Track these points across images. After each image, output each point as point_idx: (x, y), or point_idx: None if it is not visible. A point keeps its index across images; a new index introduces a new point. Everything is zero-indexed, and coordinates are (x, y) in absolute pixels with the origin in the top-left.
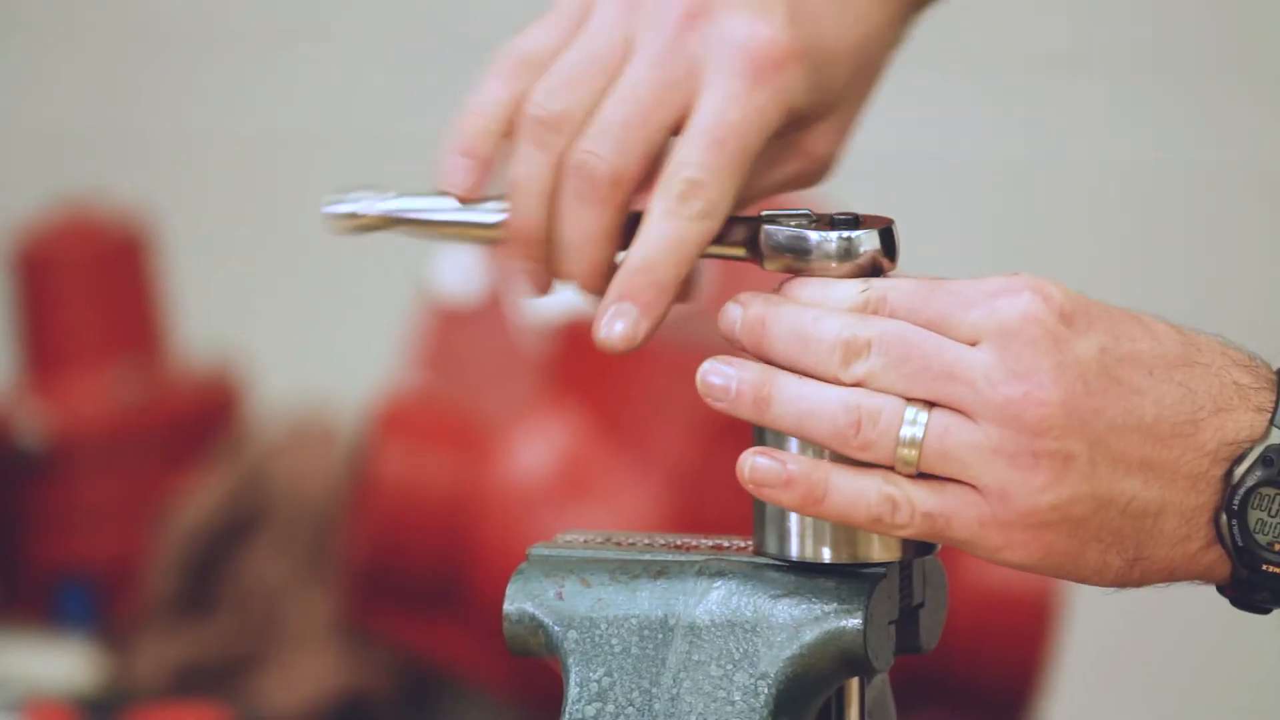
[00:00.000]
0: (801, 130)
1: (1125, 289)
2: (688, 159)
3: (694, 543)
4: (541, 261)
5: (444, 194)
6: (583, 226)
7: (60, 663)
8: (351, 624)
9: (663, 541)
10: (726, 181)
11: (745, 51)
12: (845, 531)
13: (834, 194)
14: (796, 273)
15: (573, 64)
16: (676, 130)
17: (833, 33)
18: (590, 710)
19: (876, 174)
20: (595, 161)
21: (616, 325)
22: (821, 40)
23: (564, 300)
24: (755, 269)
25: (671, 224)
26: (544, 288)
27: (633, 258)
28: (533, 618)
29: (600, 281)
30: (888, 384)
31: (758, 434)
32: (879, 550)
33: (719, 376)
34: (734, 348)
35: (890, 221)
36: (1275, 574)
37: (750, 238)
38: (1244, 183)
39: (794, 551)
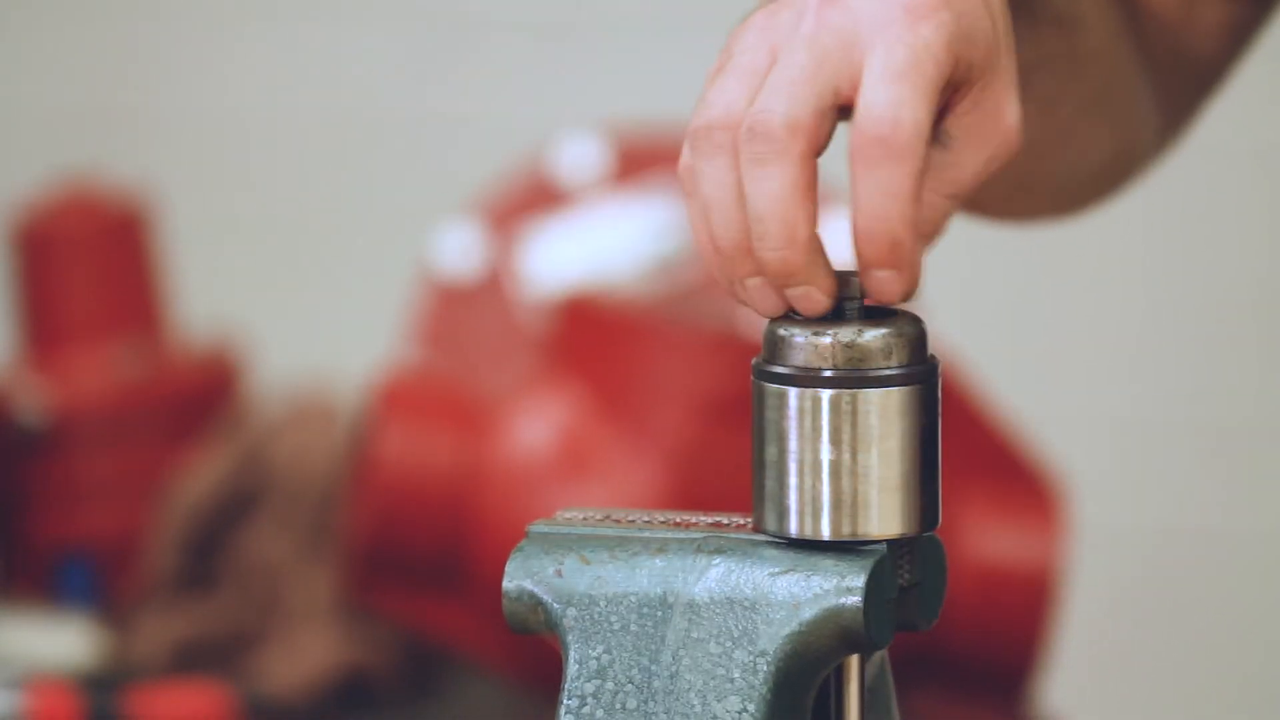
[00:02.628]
0: (981, 94)
1: (1125, 273)
2: (870, 103)
3: (693, 520)
4: (752, 270)
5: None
6: (771, 188)
7: (61, 640)
8: (352, 601)
9: (662, 519)
10: (920, 113)
11: (889, 3)
12: (845, 509)
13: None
14: None
15: (722, 81)
16: (845, 110)
17: None
18: (589, 687)
19: None
20: (766, 115)
21: (890, 294)
22: None
23: (564, 278)
24: None
25: (879, 172)
26: (771, 302)
27: (855, 228)
28: (532, 595)
29: (806, 256)
30: None
31: None
32: (878, 527)
33: None
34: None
35: None
36: None
37: None
38: (1246, 163)
39: (793, 529)
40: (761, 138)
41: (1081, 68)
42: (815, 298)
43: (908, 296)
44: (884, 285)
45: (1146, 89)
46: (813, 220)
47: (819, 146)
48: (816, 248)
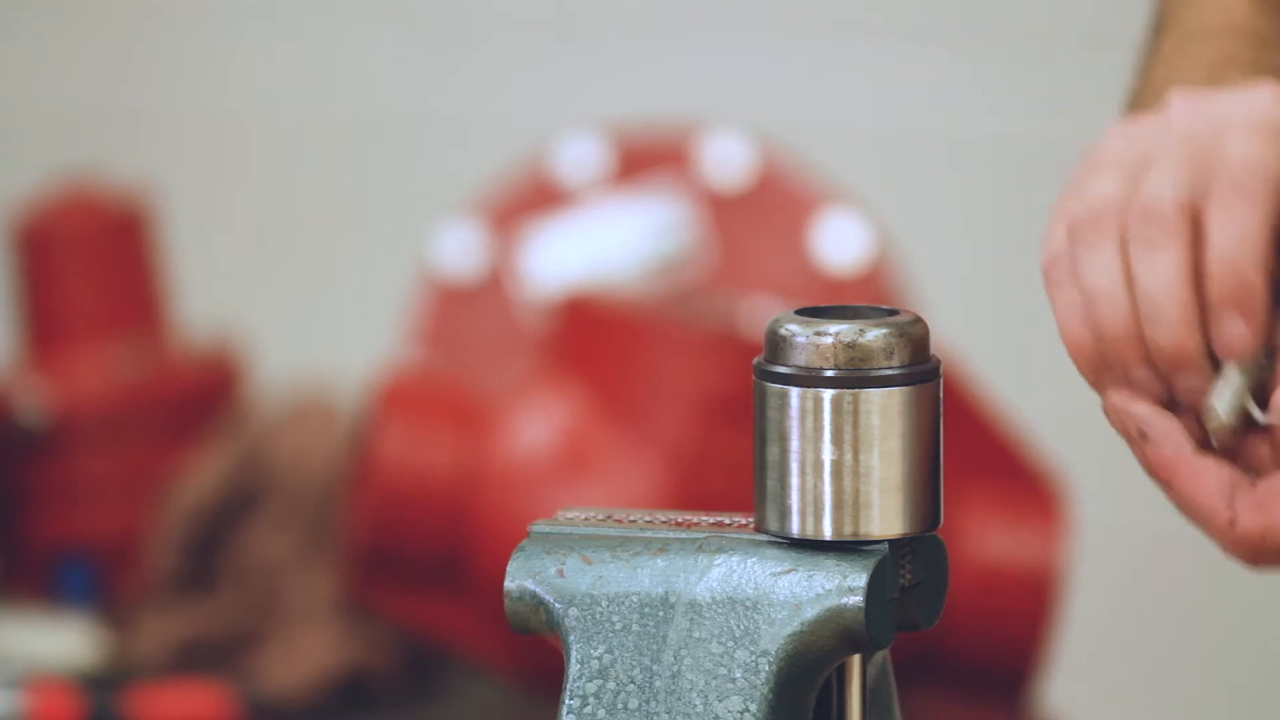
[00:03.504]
0: None
1: None
2: (1234, 155)
3: (695, 520)
4: (1141, 356)
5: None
6: (1166, 269)
7: (61, 640)
8: (352, 601)
9: (663, 519)
10: (1273, 163)
11: (1250, 102)
12: (847, 509)
13: (839, 175)
14: None
15: (1098, 175)
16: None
17: None
18: (591, 687)
19: (881, 154)
20: (1157, 199)
21: (1234, 340)
22: None
23: (564, 278)
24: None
25: (1231, 211)
26: (1156, 391)
27: (1215, 267)
28: (534, 595)
29: (1198, 341)
30: None
31: None
32: (880, 527)
33: None
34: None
35: None
36: None
37: None
38: None
39: (795, 529)
40: (1155, 220)
41: None
42: (1220, 326)
43: (1246, 348)
44: (1228, 329)
45: None
46: (1195, 300)
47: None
48: (1197, 323)
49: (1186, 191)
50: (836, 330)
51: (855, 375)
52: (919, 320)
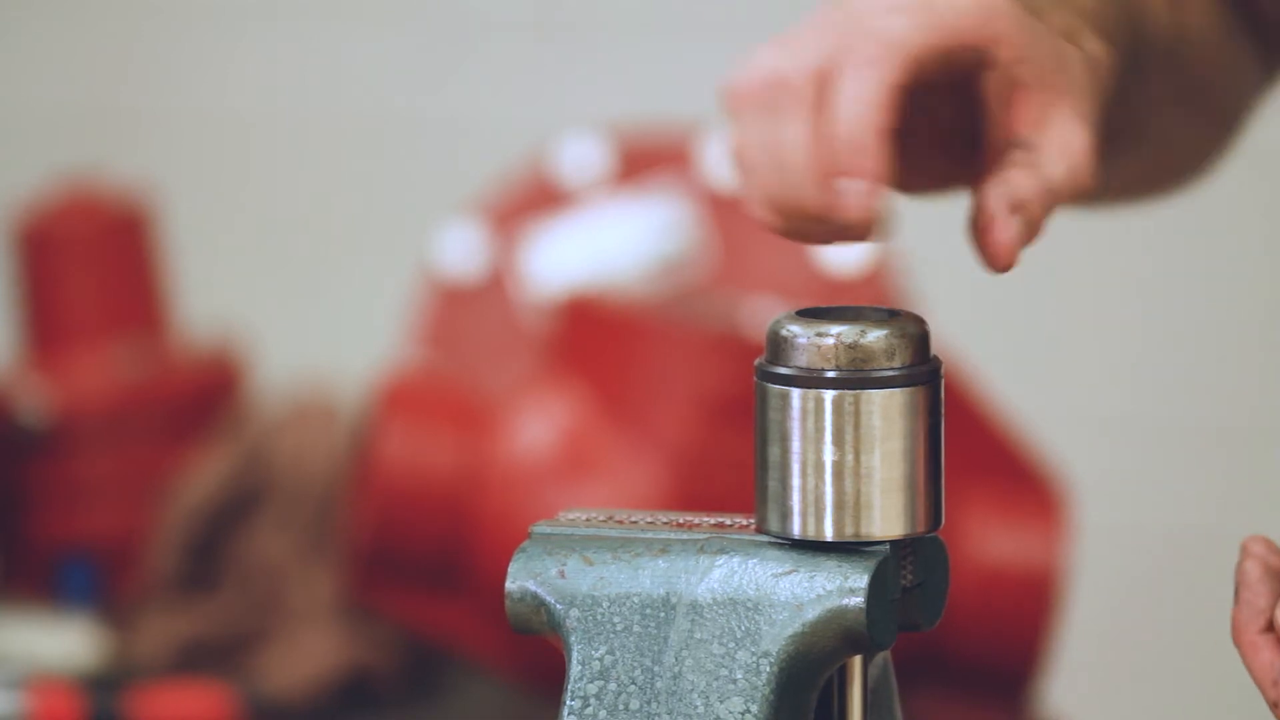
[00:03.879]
0: (1045, 110)
1: (1125, 274)
2: (869, 21)
3: (696, 521)
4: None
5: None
6: (786, 136)
7: (62, 640)
8: (354, 602)
9: (665, 520)
10: (910, 30)
11: None
12: (848, 510)
13: None
14: None
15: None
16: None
17: None
18: (592, 688)
19: None
20: (789, 68)
21: (847, 209)
22: None
23: (566, 278)
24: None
25: (852, 77)
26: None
27: (829, 129)
28: (535, 596)
29: (819, 192)
30: None
31: None
32: (881, 528)
33: None
34: None
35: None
36: None
37: None
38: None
39: (796, 530)
40: (784, 89)
41: (1189, 92)
42: (834, 193)
43: (864, 219)
44: (848, 196)
45: (1248, 62)
46: (884, 124)
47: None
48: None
49: (820, 60)
50: (838, 331)
51: (856, 376)
52: (920, 321)
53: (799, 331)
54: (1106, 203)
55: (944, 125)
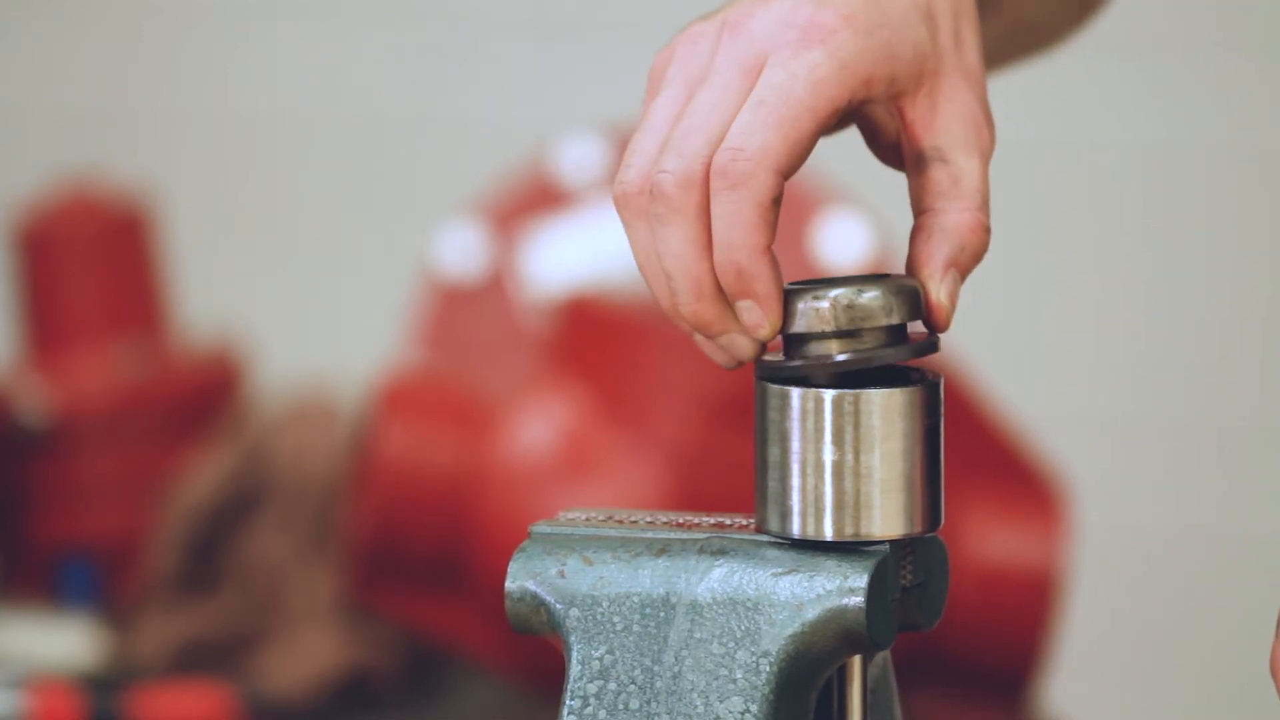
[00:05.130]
0: (934, 100)
1: (1126, 274)
2: (732, 132)
3: (696, 520)
4: (685, 327)
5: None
6: (673, 247)
7: (62, 640)
8: (354, 602)
9: (664, 519)
10: (771, 140)
11: (786, 25)
12: (848, 509)
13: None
14: None
15: (637, 140)
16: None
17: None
18: (592, 688)
19: None
20: (662, 176)
21: (751, 326)
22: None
23: (566, 279)
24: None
25: (723, 201)
26: (717, 356)
27: (715, 258)
28: (535, 595)
29: (715, 307)
30: None
31: None
32: (881, 528)
33: None
34: None
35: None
36: None
37: None
38: (1246, 163)
39: (796, 529)
40: (659, 198)
41: None
42: (740, 344)
43: (772, 332)
44: (746, 316)
45: None
46: (707, 269)
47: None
48: (715, 291)
49: (694, 159)
50: (834, 294)
51: (856, 376)
52: (910, 279)
53: (795, 296)
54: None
55: (883, 136)
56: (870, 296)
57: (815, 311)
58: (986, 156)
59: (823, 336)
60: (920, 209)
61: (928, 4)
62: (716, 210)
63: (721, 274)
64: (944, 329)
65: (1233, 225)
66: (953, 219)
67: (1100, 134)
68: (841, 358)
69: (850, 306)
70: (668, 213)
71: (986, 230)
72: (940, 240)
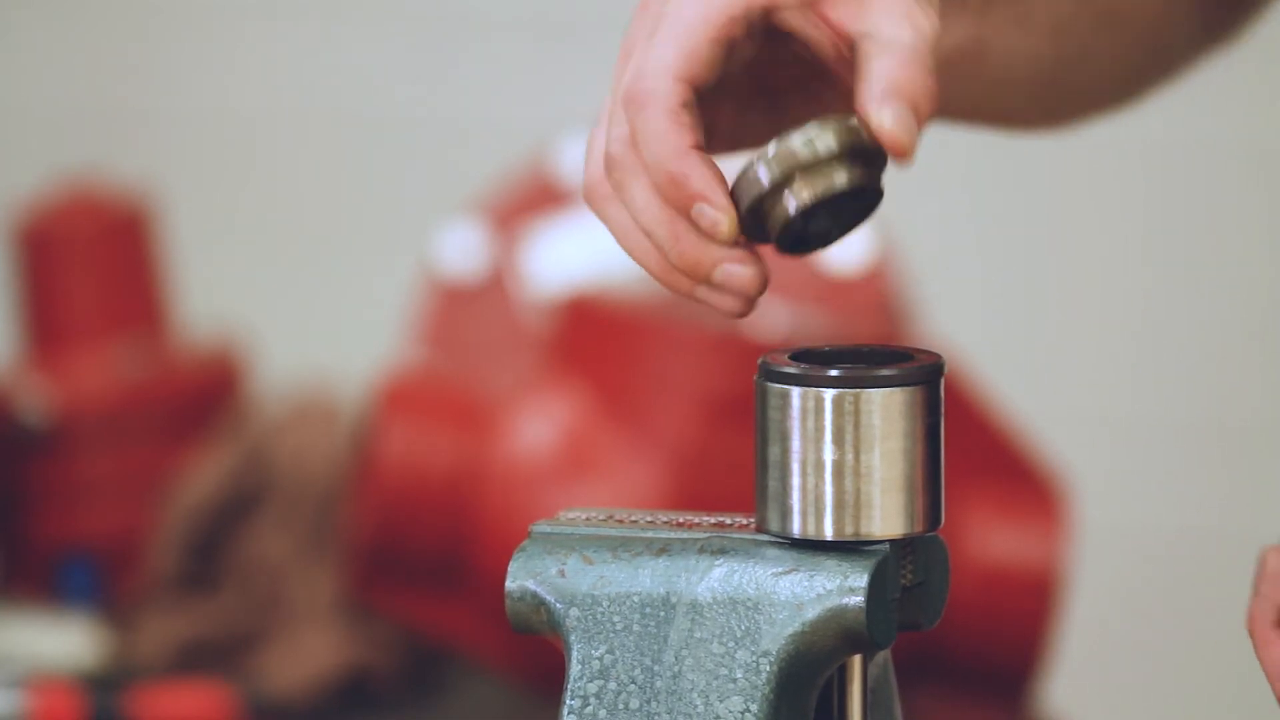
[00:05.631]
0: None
1: (1126, 273)
2: (634, 61)
3: (696, 520)
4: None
5: None
6: (638, 205)
7: (63, 640)
8: (355, 601)
9: (665, 519)
10: (666, 55)
11: None
12: (848, 509)
13: None
14: None
15: (594, 135)
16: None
17: None
18: (592, 687)
19: None
20: (610, 148)
21: (706, 227)
22: None
23: (566, 278)
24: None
25: (639, 126)
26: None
27: (652, 182)
28: (535, 595)
29: (689, 240)
30: None
31: None
32: (881, 527)
33: None
34: None
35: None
36: None
37: None
38: (1246, 163)
39: (796, 529)
40: (615, 168)
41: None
42: (734, 274)
43: (731, 225)
44: (702, 222)
45: None
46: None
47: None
48: (708, 163)
49: (622, 125)
50: (758, 152)
51: (857, 376)
52: (845, 114)
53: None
54: (1015, 97)
55: (767, 76)
56: (793, 138)
57: (748, 179)
58: (920, 31)
59: (771, 197)
60: (855, 90)
61: None
62: (638, 138)
63: (662, 193)
64: (904, 155)
65: (1233, 225)
66: (879, 63)
67: (1100, 133)
68: (794, 207)
69: (776, 156)
70: (624, 175)
71: (916, 69)
72: (870, 78)
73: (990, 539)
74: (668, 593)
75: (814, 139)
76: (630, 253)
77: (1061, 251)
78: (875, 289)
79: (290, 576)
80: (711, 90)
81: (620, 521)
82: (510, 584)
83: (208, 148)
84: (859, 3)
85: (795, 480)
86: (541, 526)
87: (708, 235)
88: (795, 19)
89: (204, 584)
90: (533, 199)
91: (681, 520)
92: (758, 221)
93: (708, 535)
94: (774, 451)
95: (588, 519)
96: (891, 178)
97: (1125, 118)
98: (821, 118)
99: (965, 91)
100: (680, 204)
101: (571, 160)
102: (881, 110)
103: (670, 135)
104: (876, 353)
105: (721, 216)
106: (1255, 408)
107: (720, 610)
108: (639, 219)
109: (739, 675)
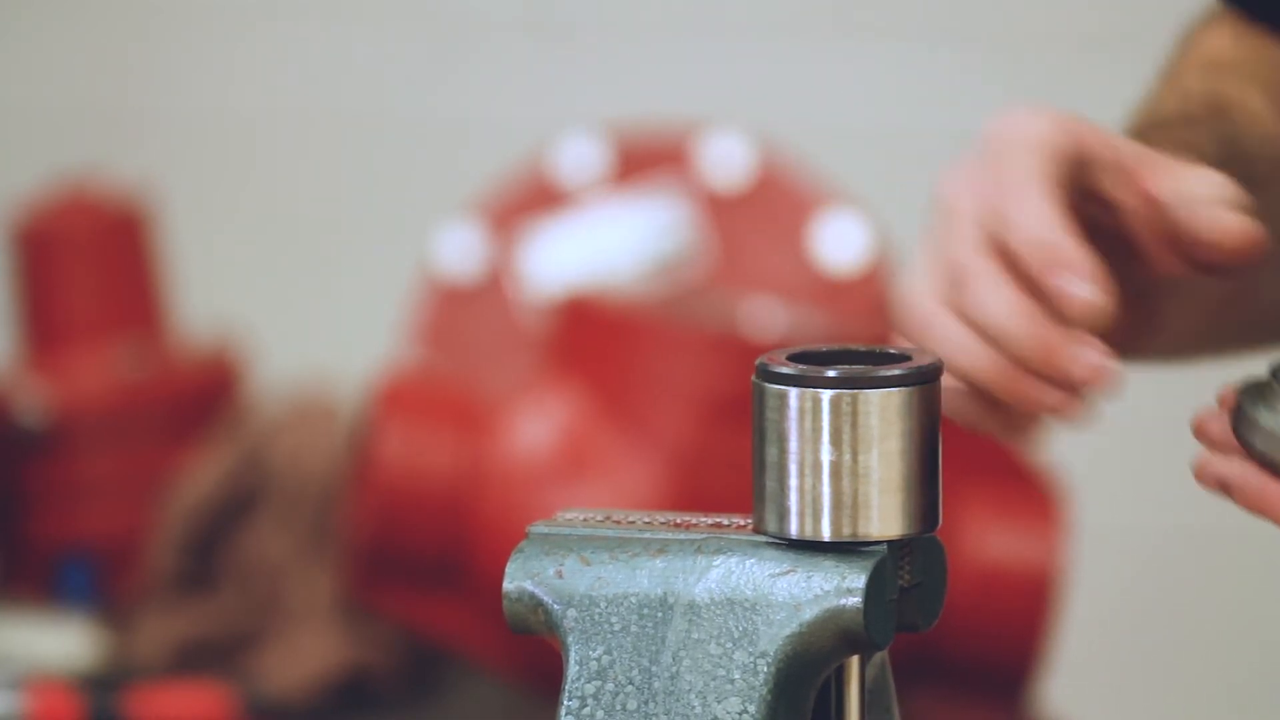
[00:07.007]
0: None
1: None
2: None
3: (694, 521)
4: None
5: None
6: (990, 306)
7: (61, 640)
8: (353, 601)
9: (662, 520)
10: (1018, 198)
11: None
12: (846, 510)
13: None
14: None
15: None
16: None
17: None
18: (590, 688)
19: (881, 154)
20: (958, 258)
21: (1076, 299)
22: None
23: (564, 279)
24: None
25: (1019, 209)
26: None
27: (1023, 251)
28: (532, 596)
29: (1043, 329)
30: None
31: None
32: (879, 528)
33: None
34: None
35: None
36: None
37: None
38: None
39: (794, 530)
40: (964, 275)
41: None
42: (1079, 287)
43: (1099, 300)
44: (1067, 291)
45: None
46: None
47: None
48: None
49: (979, 231)
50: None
51: (854, 376)
52: None
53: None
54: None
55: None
56: None
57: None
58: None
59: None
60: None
61: None
62: (1013, 218)
63: (1033, 259)
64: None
65: None
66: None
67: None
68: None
69: None
70: (972, 281)
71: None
72: (1194, 208)
73: (988, 539)
74: (665, 593)
75: None
76: (965, 365)
77: None
78: (873, 290)
79: (289, 577)
80: None
81: (618, 522)
82: (508, 585)
83: (207, 148)
84: (1163, 169)
85: (793, 481)
86: (539, 527)
87: (1075, 313)
88: (1106, 180)
89: (202, 584)
90: (531, 199)
91: (679, 521)
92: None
93: (705, 536)
94: (771, 452)
95: (585, 520)
96: (892, 177)
97: (1124, 118)
98: None
99: (1224, 332)
100: (1051, 270)
101: (571, 161)
102: (1215, 213)
103: (1047, 214)
104: (874, 353)
105: (1096, 290)
106: None
107: (718, 611)
108: (980, 319)
109: (736, 676)
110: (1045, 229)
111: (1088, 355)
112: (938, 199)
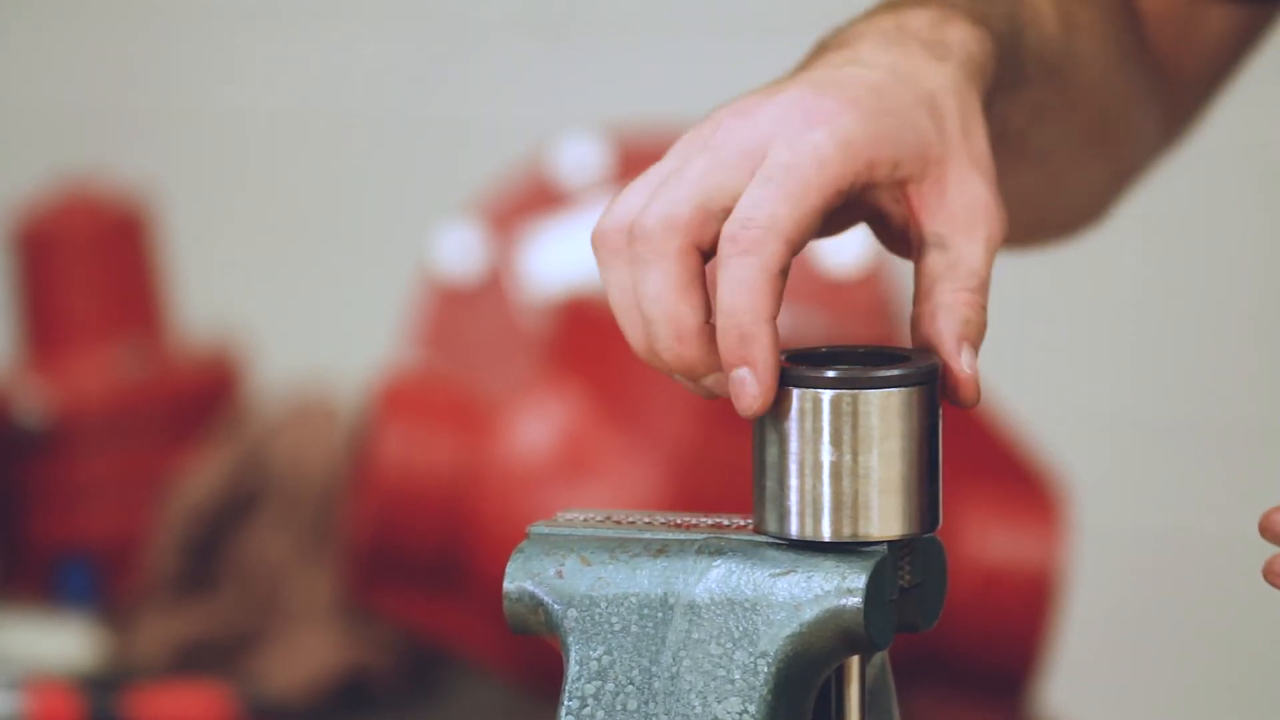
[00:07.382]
0: (939, 187)
1: (1125, 273)
2: (741, 205)
3: (694, 521)
4: (664, 368)
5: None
6: (652, 288)
7: (61, 641)
8: (352, 602)
9: (662, 520)
10: (780, 212)
11: (790, 109)
12: (846, 510)
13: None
14: None
15: (628, 188)
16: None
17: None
18: (590, 688)
19: None
20: (645, 216)
21: (743, 397)
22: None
23: (564, 279)
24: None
25: (732, 267)
26: (702, 392)
27: (718, 321)
28: (533, 596)
29: (699, 348)
30: None
31: None
32: (879, 528)
33: None
34: None
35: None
36: None
37: None
38: (1246, 163)
39: (794, 530)
40: (640, 239)
41: (1074, 110)
42: (729, 383)
43: (762, 406)
44: (737, 387)
45: (1143, 106)
46: (700, 311)
47: (702, 244)
48: (710, 337)
49: (681, 205)
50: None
51: (854, 377)
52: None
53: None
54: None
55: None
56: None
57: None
58: (991, 243)
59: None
60: (917, 296)
61: (931, 97)
62: (724, 275)
63: (723, 338)
64: (974, 403)
65: (1233, 225)
66: (948, 297)
67: None
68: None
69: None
70: (648, 253)
71: (983, 309)
72: (944, 317)
73: (988, 540)
74: (665, 594)
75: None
76: (615, 312)
77: (1059, 251)
78: (872, 290)
79: (288, 577)
80: None
81: (618, 523)
82: (508, 585)
83: (207, 148)
84: (939, 196)
85: (793, 481)
86: (539, 528)
87: (739, 403)
88: (886, 199)
89: (202, 585)
90: (531, 200)
91: (679, 521)
92: None
93: (705, 536)
94: (772, 452)
95: (585, 520)
96: None
97: None
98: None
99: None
100: (732, 362)
101: (570, 161)
102: (961, 356)
103: (761, 297)
104: (874, 354)
105: (760, 397)
106: (1254, 408)
107: (718, 611)
108: (643, 301)
109: (737, 676)
110: (749, 314)
111: (719, 383)
112: (729, 112)
